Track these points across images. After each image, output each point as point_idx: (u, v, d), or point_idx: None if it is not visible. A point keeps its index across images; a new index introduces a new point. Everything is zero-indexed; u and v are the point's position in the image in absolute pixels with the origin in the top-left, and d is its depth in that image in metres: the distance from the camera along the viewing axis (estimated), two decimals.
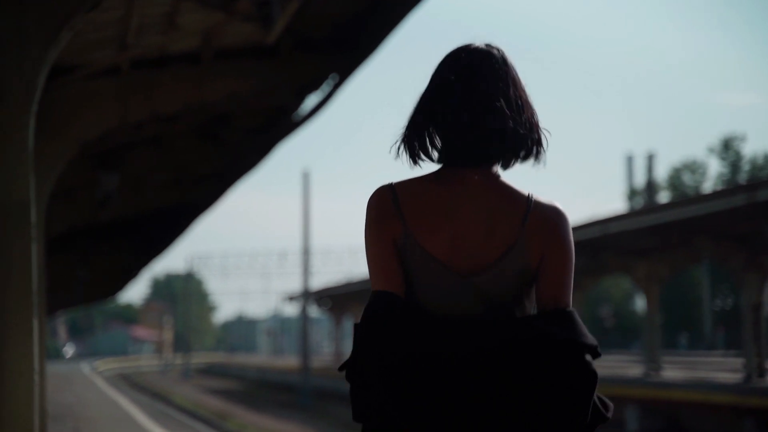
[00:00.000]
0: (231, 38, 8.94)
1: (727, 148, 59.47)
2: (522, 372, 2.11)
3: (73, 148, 8.49)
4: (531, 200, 2.24)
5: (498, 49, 2.31)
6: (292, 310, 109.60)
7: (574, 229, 16.02)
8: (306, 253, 40.32)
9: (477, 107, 2.22)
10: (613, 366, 30.93)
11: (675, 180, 62.21)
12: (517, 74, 2.30)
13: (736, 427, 17.67)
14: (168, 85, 9.08)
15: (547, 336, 2.12)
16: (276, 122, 12.17)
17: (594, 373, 2.14)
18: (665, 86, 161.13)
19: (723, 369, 25.77)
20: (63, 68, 8.32)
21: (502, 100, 2.23)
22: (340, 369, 2.21)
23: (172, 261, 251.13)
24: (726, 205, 17.55)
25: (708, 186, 59.41)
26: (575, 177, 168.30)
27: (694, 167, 62.25)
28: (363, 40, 9.83)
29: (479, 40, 2.33)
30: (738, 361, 27.87)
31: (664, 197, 55.56)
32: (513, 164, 2.28)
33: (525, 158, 2.27)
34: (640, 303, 67.73)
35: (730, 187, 27.49)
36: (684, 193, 57.56)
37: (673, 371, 24.56)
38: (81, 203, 14.26)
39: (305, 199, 39.59)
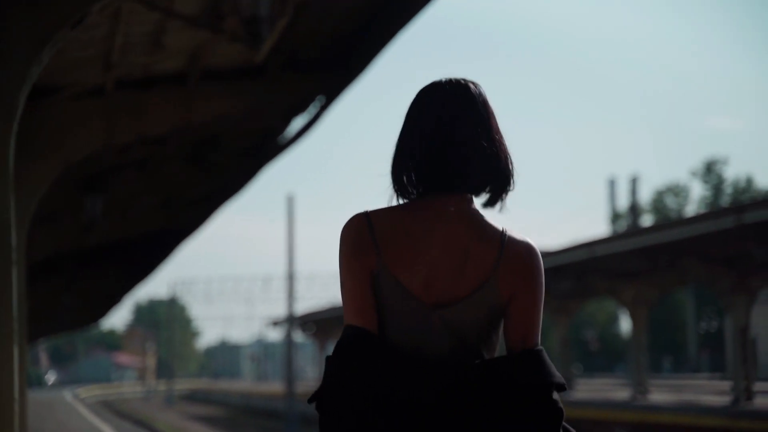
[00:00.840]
0: (218, 58, 8.82)
1: (710, 171, 59.78)
2: (493, 415, 2.13)
3: (57, 170, 8.31)
4: (505, 236, 2.25)
5: (474, 84, 2.33)
6: (275, 335, 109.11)
7: (561, 252, 15.92)
8: (290, 278, 40.08)
9: (452, 137, 2.24)
10: (600, 390, 30.80)
11: (658, 203, 62.43)
12: (493, 111, 2.31)
13: None
14: (154, 106, 8.92)
15: (517, 380, 2.15)
16: (263, 145, 12.03)
17: (561, 411, 2.18)
18: (647, 110, 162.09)
19: (709, 392, 25.67)
20: (47, 88, 8.16)
21: (481, 133, 2.25)
22: (310, 401, 2.21)
23: (155, 286, 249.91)
24: (714, 227, 17.48)
25: (691, 209, 59.69)
26: (558, 201, 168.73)
27: (677, 190, 62.54)
28: (351, 60, 9.72)
29: (456, 75, 2.34)
30: (724, 384, 27.79)
31: (647, 220, 55.66)
32: (495, 200, 2.29)
33: (498, 193, 2.29)
34: (624, 326, 67.92)
35: (718, 209, 27.48)
36: (667, 216, 57.73)
37: (660, 394, 24.44)
38: (65, 228, 14.05)
39: (289, 223, 39.40)
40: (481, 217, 2.27)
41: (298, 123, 11.33)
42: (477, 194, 2.29)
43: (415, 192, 2.29)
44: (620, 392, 27.80)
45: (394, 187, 2.30)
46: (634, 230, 24.85)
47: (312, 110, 10.84)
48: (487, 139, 2.26)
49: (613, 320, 68.77)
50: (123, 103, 8.75)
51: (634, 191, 45.97)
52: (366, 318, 2.19)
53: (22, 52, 5.01)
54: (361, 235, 2.22)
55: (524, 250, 2.25)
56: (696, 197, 61.07)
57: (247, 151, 12.50)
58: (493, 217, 2.31)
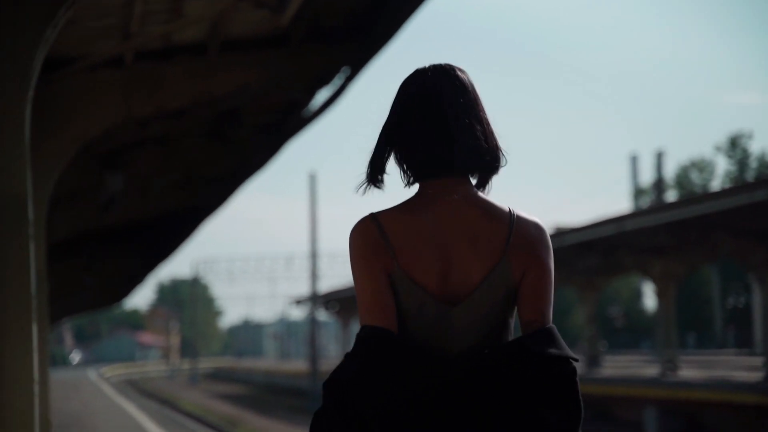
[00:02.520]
0: (240, 27, 8.51)
1: (735, 146, 59.20)
2: (522, 395, 2.15)
3: (75, 145, 8.05)
4: (513, 215, 2.26)
5: (460, 70, 2.34)
6: (298, 313, 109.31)
7: (589, 227, 15.58)
8: (313, 256, 39.89)
9: (442, 121, 2.24)
10: (627, 366, 30.49)
11: (682, 178, 61.88)
12: (478, 94, 2.32)
13: (762, 427, 17.20)
14: (174, 78, 8.63)
15: (543, 356, 2.18)
16: (286, 119, 11.74)
17: (578, 383, 2.23)
18: (670, 85, 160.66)
19: (739, 368, 25.32)
20: (62, 59, 7.89)
21: (466, 115, 2.26)
22: (325, 386, 2.20)
23: (177, 266, 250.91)
24: (744, 200, 17.11)
25: (716, 184, 59.09)
26: (580, 178, 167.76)
27: (701, 165, 61.96)
28: (376, 29, 9.40)
29: (441, 61, 2.35)
30: (752, 360, 27.41)
31: (671, 196, 55.10)
32: (487, 180, 2.31)
33: (490, 173, 2.30)
34: (648, 302, 67.53)
35: (749, 183, 27.02)
36: (692, 192, 57.18)
37: (689, 371, 24.10)
38: (85, 206, 13.83)
39: (312, 201, 39.18)
40: (486, 200, 2.29)
41: (322, 96, 11.04)
42: (467, 174, 2.29)
43: (407, 180, 2.30)
44: (648, 369, 27.47)
45: (369, 177, 2.31)
46: (664, 205, 24.45)
47: (336, 82, 10.53)
48: (475, 119, 2.27)
49: (637, 296, 68.36)
50: (141, 75, 8.46)
51: (659, 166, 45.48)
52: (386, 318, 2.20)
53: (36, 14, 4.73)
54: (374, 238, 2.23)
55: (533, 228, 2.27)
56: (721, 172, 60.44)
57: (269, 125, 12.21)
58: (499, 199, 2.31)
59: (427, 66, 2.35)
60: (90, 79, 8.18)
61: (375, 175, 2.33)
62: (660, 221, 19.80)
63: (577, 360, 2.24)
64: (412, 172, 2.30)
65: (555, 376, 2.18)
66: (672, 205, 22.30)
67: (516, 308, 2.28)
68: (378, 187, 2.33)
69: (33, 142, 7.58)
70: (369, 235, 2.24)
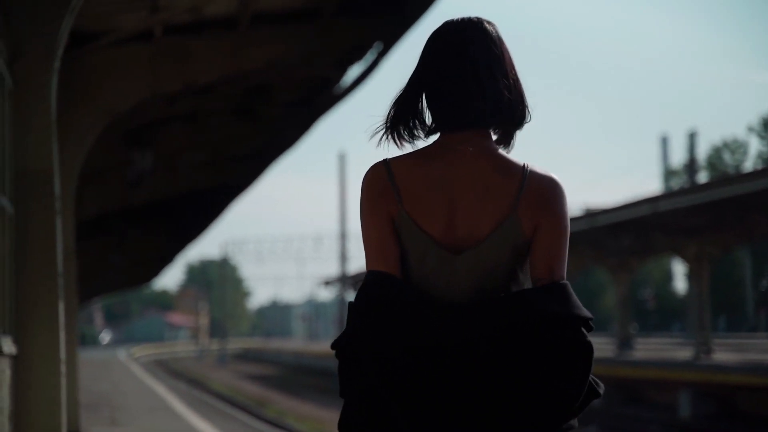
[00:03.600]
0: (270, 0, 8.30)
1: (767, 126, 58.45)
2: (522, 350, 2.08)
3: (103, 120, 7.90)
4: (527, 170, 2.21)
5: (489, 23, 2.29)
6: (326, 294, 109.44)
7: (622, 208, 15.27)
8: (342, 237, 39.81)
9: (468, 72, 2.20)
10: (659, 349, 30.18)
11: (715, 159, 61.24)
12: (508, 50, 2.27)
13: None
14: (203, 52, 8.46)
15: (545, 311, 2.10)
16: (317, 95, 11.54)
17: (590, 345, 2.12)
18: (702, 66, 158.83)
19: None
20: (90, 34, 7.74)
21: (494, 67, 2.22)
22: (333, 347, 2.17)
23: (206, 247, 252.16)
24: None
25: (749, 165, 58.41)
26: (610, 158, 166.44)
27: (734, 147, 61.28)
28: (408, 3, 9.18)
29: (472, 14, 2.30)
30: None
31: (703, 177, 54.49)
32: (511, 136, 2.27)
33: (514, 128, 2.26)
34: (679, 284, 66.93)
35: None
36: (725, 173, 56.53)
37: (722, 354, 23.77)
38: (114, 184, 13.74)
39: (341, 182, 39.05)
40: (501, 155, 2.24)
41: (353, 72, 10.83)
42: (489, 128, 2.25)
43: (422, 132, 2.26)
44: (681, 351, 27.16)
45: (393, 127, 2.26)
46: (698, 185, 24.06)
47: (369, 58, 10.32)
48: (501, 73, 2.22)
49: (668, 278, 67.83)
50: (170, 49, 8.29)
51: (692, 147, 44.90)
52: (389, 263, 2.18)
53: None
54: (382, 182, 2.21)
55: (546, 183, 2.21)
56: (754, 153, 59.73)
57: (299, 102, 12.01)
58: (516, 154, 2.26)
59: (455, 19, 2.30)
60: (118, 54, 8.03)
61: (400, 126, 2.27)
62: (695, 202, 19.44)
63: (590, 318, 2.14)
64: (435, 122, 2.25)
65: (556, 335, 2.10)
66: (707, 186, 21.92)
67: (529, 264, 2.22)
68: (400, 142, 2.27)
69: (60, 117, 7.44)
70: (378, 179, 2.22)
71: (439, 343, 2.09)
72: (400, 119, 2.27)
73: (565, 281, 2.19)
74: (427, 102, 2.25)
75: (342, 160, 39.03)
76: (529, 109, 2.27)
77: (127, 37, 7.95)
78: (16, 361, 4.53)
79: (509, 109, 2.23)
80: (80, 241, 14.51)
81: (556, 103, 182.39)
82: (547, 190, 2.21)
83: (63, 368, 4.61)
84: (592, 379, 2.16)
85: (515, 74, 2.26)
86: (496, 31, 2.29)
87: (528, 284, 2.22)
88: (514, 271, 2.20)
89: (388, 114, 2.28)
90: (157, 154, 12.21)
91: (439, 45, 2.27)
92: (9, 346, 4.45)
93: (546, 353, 2.09)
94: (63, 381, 4.62)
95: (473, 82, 2.20)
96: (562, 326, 2.11)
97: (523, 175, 2.20)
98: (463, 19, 2.29)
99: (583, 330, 2.13)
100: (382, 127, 2.29)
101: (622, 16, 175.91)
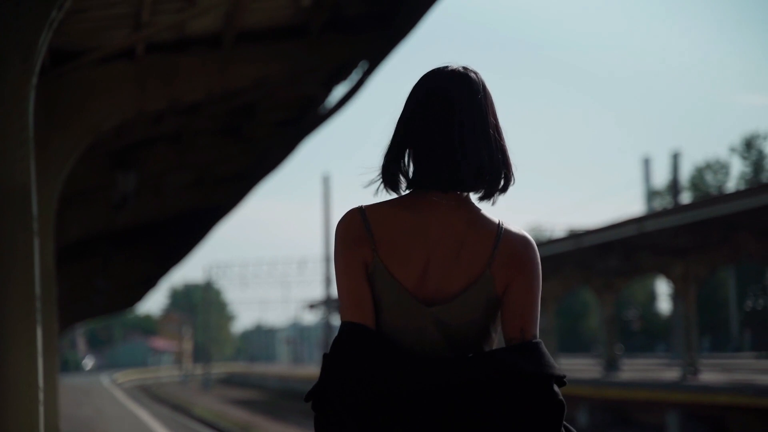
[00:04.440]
0: (256, 16, 8.17)
1: (750, 147, 58.82)
2: (491, 408, 2.09)
3: (86, 140, 7.72)
4: (501, 228, 2.22)
5: (476, 74, 2.27)
6: (311, 318, 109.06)
7: (608, 228, 15.14)
8: (327, 260, 39.60)
9: (453, 134, 2.19)
10: (645, 369, 30.06)
11: (697, 180, 61.50)
12: (492, 102, 2.27)
13: None
14: (188, 70, 8.29)
15: (516, 370, 2.11)
16: (303, 115, 11.40)
17: (562, 404, 2.13)
18: (681, 87, 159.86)
19: (760, 371, 24.89)
20: (72, 52, 7.57)
21: (478, 130, 2.20)
22: (306, 399, 2.18)
23: (190, 270, 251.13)
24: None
25: (731, 186, 58.69)
26: (591, 182, 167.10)
27: (716, 167, 61.57)
28: (398, 18, 9.06)
29: (456, 63, 2.29)
30: None
31: (686, 198, 54.64)
32: (490, 196, 2.24)
33: (496, 192, 2.24)
34: (663, 305, 66.98)
35: None
36: (707, 193, 56.72)
37: (709, 374, 23.66)
38: (97, 206, 13.53)
39: (326, 204, 38.88)
40: (477, 210, 2.24)
41: (339, 91, 10.71)
42: (470, 192, 2.24)
43: (406, 188, 2.25)
44: (667, 372, 27.04)
45: (384, 180, 2.25)
46: (685, 205, 24.00)
47: (354, 77, 10.20)
48: (485, 138, 2.21)
49: (652, 299, 67.89)
50: (155, 67, 8.13)
51: (675, 167, 44.95)
52: (363, 313, 2.17)
53: None
54: (357, 230, 2.20)
55: (520, 242, 2.22)
56: (735, 174, 60.02)
57: (285, 122, 11.87)
58: (490, 210, 2.26)
59: (441, 67, 2.28)
60: (101, 72, 7.86)
61: (397, 179, 2.26)
62: (681, 222, 19.37)
63: (561, 377, 2.15)
64: (416, 179, 2.23)
65: (528, 393, 2.11)
66: (693, 206, 21.89)
67: (501, 322, 2.24)
68: (394, 191, 2.26)
69: (42, 136, 7.26)
70: (353, 226, 2.21)
71: (412, 392, 2.09)
72: (387, 171, 2.26)
73: (538, 340, 2.20)
74: (410, 157, 2.23)
75: (326, 182, 38.89)
76: (514, 171, 2.25)
77: (111, 55, 7.79)
78: None
79: (492, 175, 2.22)
80: (63, 264, 14.28)
81: (537, 126, 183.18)
82: (522, 250, 2.22)
83: (41, 396, 4.40)
84: (564, 428, 2.17)
85: (500, 134, 2.25)
86: (482, 83, 2.27)
87: (499, 341, 2.24)
88: (486, 328, 2.21)
89: (383, 169, 2.26)
90: (141, 175, 12.04)
91: (424, 100, 2.24)
92: None
93: (518, 411, 2.09)
94: (41, 409, 4.41)
95: (458, 149, 2.18)
96: (535, 385, 2.12)
97: (498, 233, 2.21)
98: (448, 72, 2.26)
99: (555, 388, 2.14)
100: (377, 177, 2.27)
101: (607, 35, 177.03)
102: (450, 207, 2.21)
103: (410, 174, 2.24)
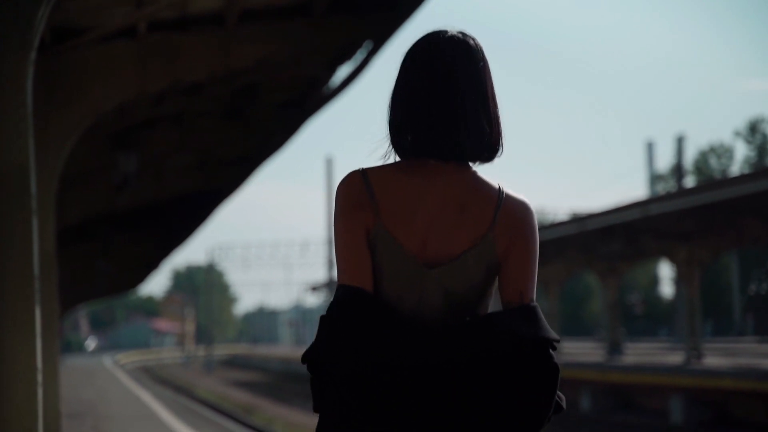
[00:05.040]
0: None
1: (754, 131, 58.67)
2: (491, 372, 2.11)
3: (87, 120, 7.61)
4: (502, 192, 2.23)
5: (474, 40, 2.27)
6: (313, 300, 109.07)
7: (612, 212, 15.08)
8: (329, 243, 39.52)
9: (455, 105, 2.20)
10: (648, 354, 30.02)
11: (701, 164, 61.34)
12: (490, 70, 2.27)
13: None
14: (190, 49, 8.18)
15: (514, 334, 2.13)
16: (306, 96, 11.28)
17: (557, 367, 2.15)
18: (685, 72, 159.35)
19: (763, 355, 24.83)
20: (72, 30, 7.47)
21: (479, 100, 2.22)
22: (303, 360, 2.16)
23: (192, 253, 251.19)
24: None
25: (735, 170, 58.57)
26: (594, 167, 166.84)
27: (720, 151, 61.43)
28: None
29: (453, 27, 2.27)
30: None
31: (689, 182, 54.48)
32: (487, 161, 2.26)
33: (486, 161, 2.26)
34: (666, 289, 66.94)
35: None
36: (711, 177, 56.58)
37: (713, 359, 23.60)
38: (98, 188, 13.44)
39: (328, 186, 38.79)
40: (477, 174, 2.25)
41: (343, 72, 10.59)
42: (471, 161, 2.25)
43: (408, 154, 2.24)
44: (670, 356, 26.99)
45: (391, 145, 2.25)
46: (689, 189, 23.89)
47: (358, 57, 10.08)
48: (485, 108, 2.23)
49: (655, 283, 67.85)
50: (156, 47, 8.01)
51: (680, 151, 44.77)
52: (361, 277, 2.16)
53: None
54: (358, 192, 2.19)
55: (521, 206, 2.24)
56: (740, 158, 59.85)
57: (288, 103, 11.75)
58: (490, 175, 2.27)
59: (440, 32, 2.26)
60: (101, 51, 7.75)
61: (398, 148, 2.26)
62: (685, 205, 19.27)
63: (556, 340, 2.16)
64: (416, 148, 2.22)
65: (524, 357, 2.12)
66: (697, 189, 21.76)
67: (498, 285, 2.25)
68: (403, 157, 2.26)
69: (42, 115, 7.16)
70: (354, 189, 2.19)
71: (411, 363, 2.10)
72: (393, 143, 2.26)
73: (535, 303, 2.21)
74: (409, 125, 2.22)
75: (329, 164, 38.78)
76: (503, 141, 2.27)
77: (112, 34, 7.68)
78: None
79: (489, 146, 2.24)
80: (64, 246, 14.21)
81: (542, 110, 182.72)
82: (522, 214, 2.23)
83: (40, 378, 4.32)
84: (557, 395, 2.20)
85: (495, 102, 2.26)
86: (481, 50, 2.27)
87: (496, 304, 2.25)
88: (485, 291, 2.22)
89: (390, 136, 2.26)
90: (142, 157, 11.94)
91: (425, 68, 2.22)
92: None
93: (514, 375, 2.11)
94: (40, 391, 4.33)
95: (460, 120, 2.19)
96: (531, 349, 2.13)
97: (499, 197, 2.22)
98: (450, 38, 2.25)
99: (551, 352, 2.16)
100: (388, 150, 2.27)
101: (610, 22, 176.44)
102: (451, 171, 2.22)
103: (412, 142, 2.23)
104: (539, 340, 2.14)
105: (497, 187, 2.24)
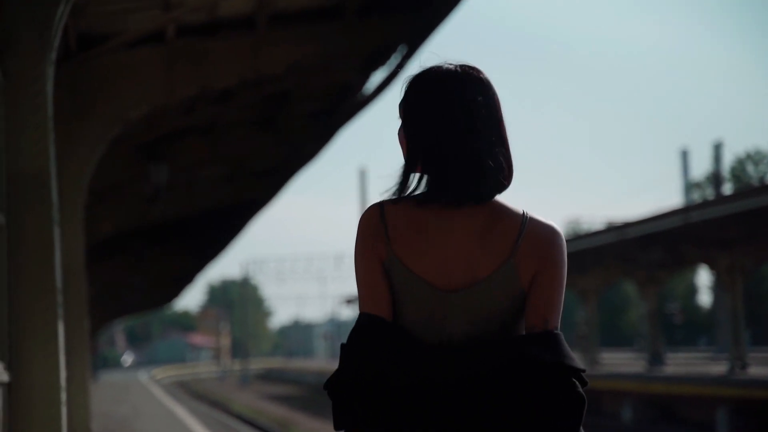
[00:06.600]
0: None
1: None
2: (510, 397, 2.09)
3: (115, 127, 7.40)
4: (526, 217, 2.21)
5: (482, 73, 2.24)
6: (348, 313, 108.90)
7: (652, 219, 14.64)
8: None
9: (473, 146, 2.17)
10: (690, 363, 29.43)
11: (738, 171, 60.57)
12: (499, 102, 2.24)
13: None
14: (219, 55, 7.95)
15: (536, 359, 2.11)
16: (338, 103, 11.02)
17: (582, 397, 2.11)
18: (724, 78, 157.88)
19: None
20: (98, 36, 7.26)
21: (495, 138, 2.19)
22: (325, 387, 2.18)
23: (227, 267, 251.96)
24: None
25: None
26: (630, 174, 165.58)
27: (757, 158, 60.63)
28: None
29: (454, 60, 2.24)
30: None
31: (726, 189, 53.75)
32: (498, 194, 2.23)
33: (500, 192, 2.23)
34: (704, 298, 66.01)
35: None
36: (748, 184, 55.79)
37: (758, 368, 23.02)
38: (130, 201, 13.27)
39: (362, 198, 38.58)
40: (499, 203, 2.21)
41: (376, 78, 10.33)
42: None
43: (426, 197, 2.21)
44: (713, 366, 26.41)
45: (400, 186, 2.22)
46: (731, 195, 23.40)
47: (392, 62, 9.82)
48: (502, 145, 2.21)
49: (693, 292, 66.99)
50: (184, 52, 7.78)
51: (717, 157, 44.17)
52: (379, 305, 2.17)
53: None
54: (374, 224, 2.20)
55: (546, 231, 2.20)
56: None
57: (320, 111, 11.51)
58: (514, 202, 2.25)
59: (448, 69, 2.22)
60: (129, 57, 7.54)
61: (411, 192, 2.24)
62: (727, 212, 18.81)
63: (582, 370, 2.13)
64: (431, 192, 2.19)
65: (546, 383, 2.09)
66: (739, 195, 21.28)
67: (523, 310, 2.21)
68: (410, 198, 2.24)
69: (68, 124, 6.95)
70: (370, 221, 2.22)
71: (428, 381, 2.10)
72: (405, 186, 2.23)
73: (559, 331, 2.18)
74: (427, 168, 2.20)
75: (362, 176, 38.59)
76: (512, 172, 2.24)
77: (139, 39, 7.46)
78: (10, 389, 4.01)
79: (503, 184, 2.22)
80: (97, 261, 14.04)
81: (574, 118, 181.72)
82: (547, 239, 2.20)
83: (63, 396, 4.07)
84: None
85: (506, 137, 2.23)
86: (491, 85, 2.24)
87: (521, 332, 2.20)
88: (508, 318, 2.19)
89: (402, 177, 2.23)
90: (173, 169, 11.74)
91: (438, 106, 2.18)
92: (1, 373, 3.93)
93: (538, 403, 2.08)
94: (63, 410, 4.08)
95: (479, 166, 2.16)
96: (553, 375, 2.11)
97: (522, 222, 2.19)
98: (460, 73, 2.21)
99: (575, 381, 2.12)
100: (397, 188, 2.23)
101: (643, 29, 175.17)
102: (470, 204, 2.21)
103: (429, 185, 2.20)
104: (562, 367, 2.11)
105: (521, 212, 2.21)
